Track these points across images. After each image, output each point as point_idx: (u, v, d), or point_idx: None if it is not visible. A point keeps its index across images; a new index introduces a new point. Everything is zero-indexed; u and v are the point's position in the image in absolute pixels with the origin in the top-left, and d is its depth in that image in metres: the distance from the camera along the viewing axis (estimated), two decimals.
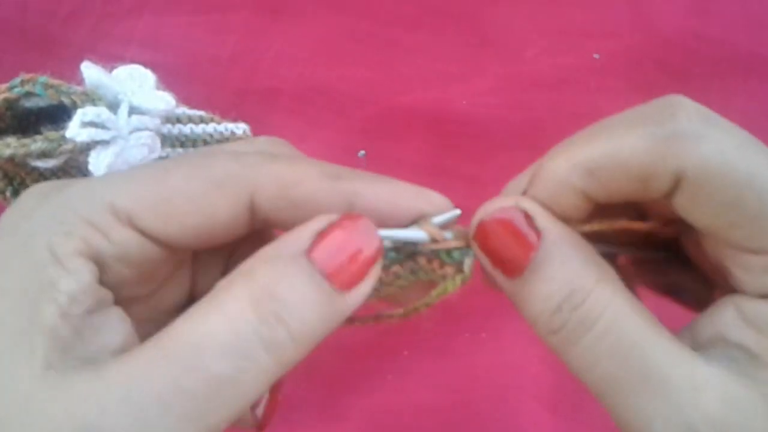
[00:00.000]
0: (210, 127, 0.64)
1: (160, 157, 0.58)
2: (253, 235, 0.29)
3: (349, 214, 0.24)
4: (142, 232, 0.24)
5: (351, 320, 0.26)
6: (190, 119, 0.64)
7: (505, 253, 0.25)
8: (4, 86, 0.55)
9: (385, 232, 0.25)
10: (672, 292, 0.30)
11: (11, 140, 0.52)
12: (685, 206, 0.24)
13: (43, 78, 0.54)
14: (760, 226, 0.23)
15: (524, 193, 0.27)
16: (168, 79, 0.60)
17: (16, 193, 0.58)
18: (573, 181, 0.25)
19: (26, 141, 0.52)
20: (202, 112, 0.65)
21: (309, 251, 0.23)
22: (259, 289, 0.22)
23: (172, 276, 0.28)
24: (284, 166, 0.25)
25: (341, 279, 0.23)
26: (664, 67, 0.69)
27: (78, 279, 0.22)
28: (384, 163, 0.65)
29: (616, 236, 0.30)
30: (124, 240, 0.23)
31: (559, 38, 0.70)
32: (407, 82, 0.68)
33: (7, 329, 0.21)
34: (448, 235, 0.26)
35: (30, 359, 0.21)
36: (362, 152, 0.65)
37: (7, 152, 0.52)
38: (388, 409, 0.56)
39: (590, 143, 0.25)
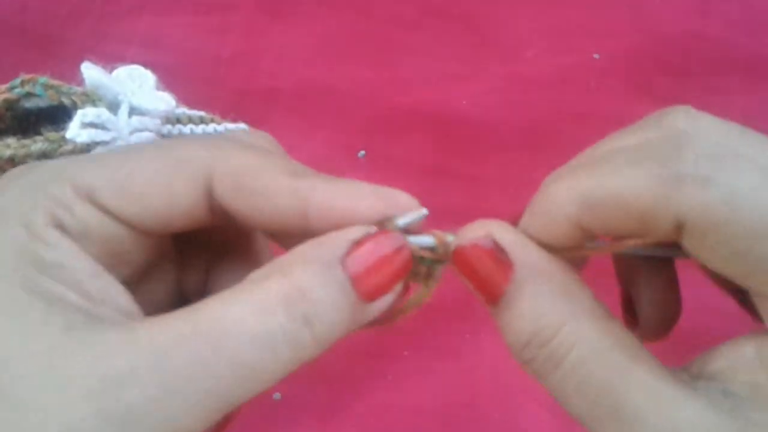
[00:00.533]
0: (210, 128, 0.64)
1: None
2: (236, 240, 0.29)
3: (385, 230, 0.25)
4: (104, 209, 0.24)
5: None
6: (190, 120, 0.64)
7: (481, 282, 0.25)
8: (4, 87, 0.55)
9: None
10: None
11: (11, 141, 0.52)
12: (692, 250, 0.23)
13: (43, 78, 0.54)
14: None
15: (516, 218, 0.26)
16: (168, 79, 0.60)
17: None
18: (570, 214, 0.24)
19: (26, 142, 0.52)
20: (202, 113, 0.65)
21: (343, 259, 0.23)
22: (294, 288, 0.22)
23: (153, 269, 0.28)
24: (245, 155, 0.25)
25: (367, 291, 0.23)
26: (664, 67, 0.69)
27: (61, 248, 0.23)
28: (384, 163, 0.65)
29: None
30: (86, 215, 0.24)
31: (559, 38, 0.70)
32: (407, 82, 0.68)
33: (6, 299, 0.22)
34: (424, 240, 0.26)
35: (46, 321, 0.21)
36: (362, 152, 0.65)
37: (7, 153, 0.52)
38: (388, 409, 0.56)
39: (593, 174, 0.24)
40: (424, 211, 0.26)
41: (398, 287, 0.25)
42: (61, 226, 0.23)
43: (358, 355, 0.56)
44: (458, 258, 0.25)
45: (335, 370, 0.56)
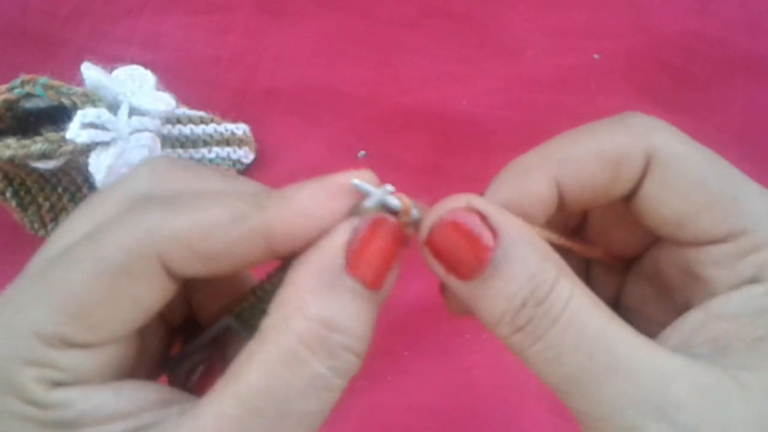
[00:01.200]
0: (210, 128, 0.64)
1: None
2: None
3: (366, 217, 0.24)
4: (83, 346, 0.23)
5: None
6: (190, 120, 0.64)
7: (459, 257, 0.24)
8: (4, 87, 0.55)
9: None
10: None
11: (11, 141, 0.52)
12: (654, 192, 0.25)
13: (43, 79, 0.54)
14: (725, 208, 0.24)
15: (485, 187, 0.27)
16: (168, 79, 0.60)
17: (16, 193, 0.58)
18: (544, 168, 0.25)
19: (26, 142, 0.52)
20: (202, 113, 0.65)
21: (346, 267, 0.23)
22: (320, 326, 0.22)
23: (143, 338, 0.27)
24: (186, 220, 0.23)
25: (378, 281, 0.23)
26: (664, 67, 0.69)
27: (73, 402, 0.22)
28: (384, 163, 0.65)
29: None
30: (72, 362, 0.22)
31: (559, 38, 0.70)
32: (407, 82, 0.68)
33: None
34: (391, 201, 0.25)
35: None
36: (362, 152, 0.65)
37: (8, 153, 0.52)
38: (388, 409, 0.56)
39: (566, 140, 0.26)
40: (389, 187, 0.25)
41: (400, 257, 0.24)
42: (56, 383, 0.22)
43: None
44: (438, 232, 0.24)
45: None
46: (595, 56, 0.69)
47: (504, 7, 0.72)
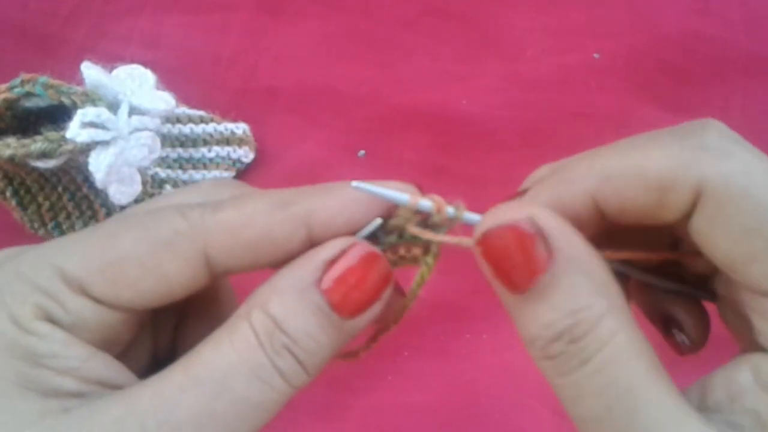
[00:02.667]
0: (210, 127, 0.64)
1: (160, 158, 0.58)
2: (204, 293, 0.28)
3: (357, 243, 0.24)
4: (97, 300, 0.24)
5: (351, 354, 0.27)
6: (190, 119, 0.64)
7: (509, 269, 0.22)
8: (4, 86, 0.55)
9: (368, 186, 0.25)
10: (665, 326, 0.29)
11: (11, 140, 0.52)
12: (703, 229, 0.22)
13: (43, 78, 0.54)
14: None
15: (526, 191, 0.26)
16: (168, 79, 0.60)
17: (16, 193, 0.58)
18: (587, 187, 0.23)
19: (26, 141, 0.52)
20: (202, 112, 0.65)
21: (318, 282, 0.23)
22: (271, 323, 0.23)
23: (136, 338, 0.27)
24: (230, 212, 0.24)
25: (349, 308, 0.24)
26: (664, 67, 0.69)
27: (53, 340, 0.23)
28: (384, 163, 0.65)
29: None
30: (79, 308, 0.23)
31: (559, 38, 0.70)
32: (407, 82, 0.68)
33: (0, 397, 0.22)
34: (423, 204, 0.25)
35: (43, 414, 0.22)
36: (362, 152, 0.65)
37: (7, 152, 0.52)
38: (388, 409, 0.56)
39: (614, 151, 0.24)
40: (378, 221, 0.26)
41: (384, 296, 0.24)
42: (51, 319, 0.23)
43: None
44: (489, 240, 0.23)
45: (335, 370, 0.56)
46: (595, 56, 0.69)
47: (504, 7, 0.72)
